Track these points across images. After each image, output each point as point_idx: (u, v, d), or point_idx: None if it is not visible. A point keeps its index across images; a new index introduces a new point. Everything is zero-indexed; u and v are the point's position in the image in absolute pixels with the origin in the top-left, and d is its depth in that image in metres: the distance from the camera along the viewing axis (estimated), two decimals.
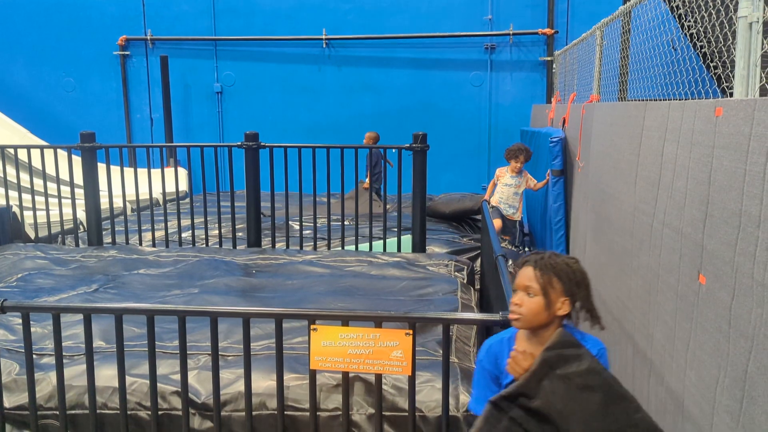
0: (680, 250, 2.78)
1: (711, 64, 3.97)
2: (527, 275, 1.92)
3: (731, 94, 2.55)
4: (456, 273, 4.31)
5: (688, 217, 2.70)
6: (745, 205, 2.15)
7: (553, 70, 9.66)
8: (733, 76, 2.43)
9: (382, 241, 5.23)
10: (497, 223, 6.27)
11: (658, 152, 3.13)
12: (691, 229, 2.66)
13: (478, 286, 4.72)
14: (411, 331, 2.18)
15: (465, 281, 4.21)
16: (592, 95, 5.60)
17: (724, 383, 2.30)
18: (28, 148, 5.60)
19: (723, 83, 2.99)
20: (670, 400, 2.88)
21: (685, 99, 3.10)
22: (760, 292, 2.03)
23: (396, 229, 5.21)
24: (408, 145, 4.95)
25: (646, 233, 3.29)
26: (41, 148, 5.49)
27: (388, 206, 6.94)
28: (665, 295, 2.97)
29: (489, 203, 6.43)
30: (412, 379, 2.23)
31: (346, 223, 5.84)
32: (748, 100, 2.19)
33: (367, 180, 7.87)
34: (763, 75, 2.27)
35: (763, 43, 2.29)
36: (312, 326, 2.23)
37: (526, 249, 6.14)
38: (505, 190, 6.49)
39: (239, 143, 5.15)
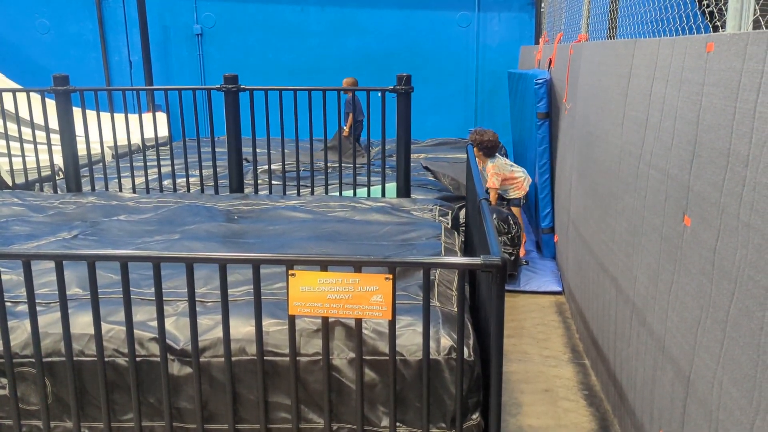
0: (666, 191, 2.74)
1: (704, 2, 3.84)
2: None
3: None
4: (440, 218, 4.27)
5: (675, 158, 2.64)
6: (734, 144, 2.09)
7: (542, 10, 9.42)
8: (726, 10, 2.33)
9: (366, 189, 5.15)
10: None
11: (647, 92, 3.05)
12: (677, 170, 2.62)
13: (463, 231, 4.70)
14: (391, 276, 2.13)
15: (449, 226, 4.17)
16: (581, 35, 5.46)
17: (705, 324, 2.30)
18: (0, 91, 5.41)
19: (716, 20, 2.89)
20: (651, 341, 2.89)
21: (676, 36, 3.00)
22: (746, 233, 2.00)
23: (380, 176, 5.13)
24: (392, 87, 4.82)
25: (632, 175, 3.25)
26: (13, 91, 5.30)
27: (371, 150, 6.81)
28: (649, 237, 2.95)
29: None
30: (392, 324, 2.21)
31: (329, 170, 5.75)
32: (740, 33, 2.10)
33: (347, 127, 7.73)
34: (757, 7, 2.18)
35: None
36: (290, 271, 2.18)
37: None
38: None
39: (218, 86, 4.99)
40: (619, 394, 3.46)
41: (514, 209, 6.16)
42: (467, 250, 4.06)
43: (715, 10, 2.82)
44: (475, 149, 6.02)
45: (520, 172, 6.21)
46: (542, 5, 9.41)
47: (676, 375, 2.57)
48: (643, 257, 3.05)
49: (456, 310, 2.64)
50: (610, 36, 4.88)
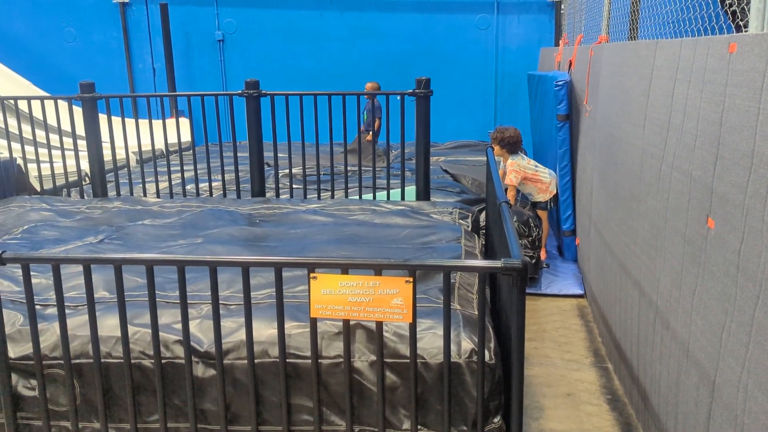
0: (689, 193, 2.72)
1: (726, 2, 3.80)
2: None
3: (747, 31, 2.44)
4: (460, 221, 4.27)
5: (698, 160, 2.62)
6: (758, 146, 2.07)
7: (562, 11, 9.37)
8: (749, 10, 2.31)
9: (385, 192, 5.17)
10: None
11: (669, 93, 3.03)
12: (700, 172, 2.59)
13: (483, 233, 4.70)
14: (411, 279, 2.15)
15: (469, 229, 4.17)
16: (601, 36, 5.42)
17: (730, 328, 2.27)
18: (29, 99, 5.53)
19: (738, 19, 2.86)
20: (675, 345, 2.86)
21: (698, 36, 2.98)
22: None
23: (399, 179, 5.15)
24: (411, 90, 4.83)
25: (654, 177, 3.22)
26: (41, 99, 5.42)
27: (391, 153, 6.83)
28: (672, 239, 2.93)
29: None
30: (412, 327, 2.22)
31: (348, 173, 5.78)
32: (763, 34, 2.08)
33: (370, 133, 7.75)
34: None
35: None
36: (311, 274, 2.20)
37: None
38: None
39: (239, 92, 5.05)
40: (643, 399, 3.43)
41: (541, 213, 6.08)
42: (488, 253, 4.06)
43: (737, 10, 2.80)
44: (497, 147, 5.98)
45: (546, 174, 6.04)
46: (562, 7, 9.37)
47: (700, 379, 2.54)
48: (666, 260, 3.03)
49: (477, 313, 2.64)
50: (632, 37, 4.85)
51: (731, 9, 3.13)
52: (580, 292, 5.49)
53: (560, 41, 8.45)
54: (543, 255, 5.94)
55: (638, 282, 3.52)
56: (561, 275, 5.82)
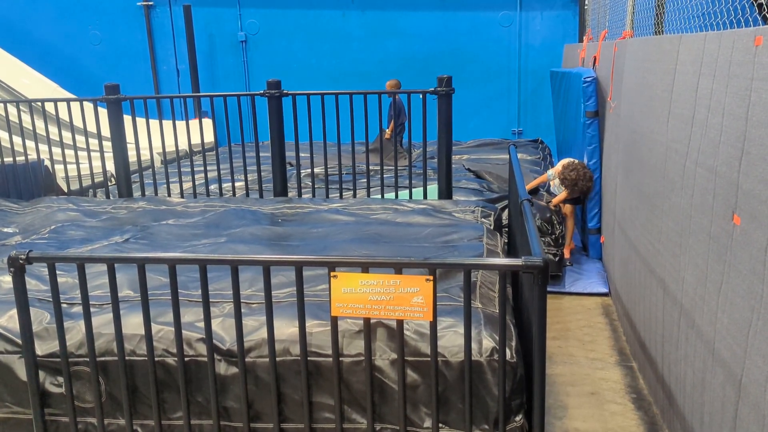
0: (714, 190, 2.67)
1: None
2: None
3: None
4: (482, 219, 4.25)
5: (723, 155, 2.57)
6: None
7: (585, 7, 9.27)
8: None
9: (407, 191, 5.17)
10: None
11: (693, 88, 2.98)
12: (726, 168, 2.55)
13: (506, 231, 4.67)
14: (431, 277, 2.15)
15: (492, 227, 4.15)
16: (625, 31, 5.35)
17: (757, 326, 2.23)
18: (55, 101, 5.64)
19: (765, 11, 2.80)
20: (701, 343, 2.82)
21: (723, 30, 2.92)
22: None
23: (421, 178, 5.14)
24: (432, 89, 4.82)
25: (679, 173, 3.17)
26: (68, 101, 5.52)
27: (413, 152, 6.81)
28: (697, 237, 2.88)
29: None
30: (433, 325, 2.22)
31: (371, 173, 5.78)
32: None
33: (389, 130, 7.75)
34: None
35: None
36: (332, 273, 2.21)
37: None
38: None
39: (261, 92, 5.09)
40: (668, 398, 3.38)
41: (569, 206, 5.99)
42: (510, 251, 4.03)
43: (764, 2, 2.74)
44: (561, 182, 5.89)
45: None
46: (586, 2, 9.26)
47: (726, 378, 2.50)
48: (690, 258, 2.98)
49: (497, 311, 2.63)
50: (657, 32, 4.77)
51: (758, 1, 3.07)
52: (604, 290, 5.43)
53: (584, 37, 8.35)
54: (567, 253, 5.88)
55: (663, 280, 3.47)
56: (585, 273, 5.76)
